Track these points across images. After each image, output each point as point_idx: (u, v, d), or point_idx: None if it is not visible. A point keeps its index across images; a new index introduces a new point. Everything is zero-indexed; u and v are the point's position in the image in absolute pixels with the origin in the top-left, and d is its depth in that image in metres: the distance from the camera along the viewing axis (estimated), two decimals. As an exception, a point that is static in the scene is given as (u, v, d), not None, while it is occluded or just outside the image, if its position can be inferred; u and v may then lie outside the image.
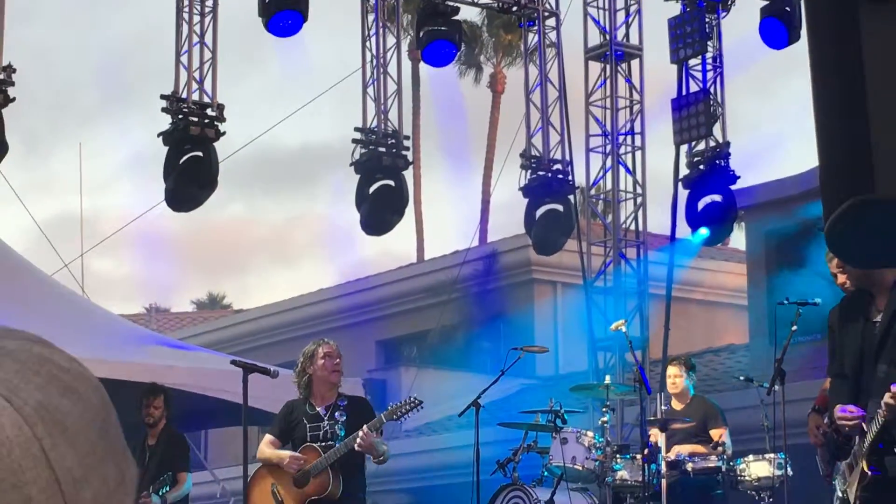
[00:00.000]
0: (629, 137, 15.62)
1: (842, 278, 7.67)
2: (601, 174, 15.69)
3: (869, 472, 6.70)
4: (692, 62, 14.65)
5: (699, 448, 10.88)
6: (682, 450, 10.79)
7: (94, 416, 1.07)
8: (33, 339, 1.11)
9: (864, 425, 6.71)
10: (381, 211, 13.76)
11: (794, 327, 9.38)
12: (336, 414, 8.83)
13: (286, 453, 8.82)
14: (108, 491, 1.06)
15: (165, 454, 10.83)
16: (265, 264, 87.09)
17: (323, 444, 8.76)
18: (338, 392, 8.99)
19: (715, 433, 10.98)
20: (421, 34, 14.31)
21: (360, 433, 8.51)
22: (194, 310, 50.99)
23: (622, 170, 15.56)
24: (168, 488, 10.65)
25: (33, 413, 1.03)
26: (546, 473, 10.72)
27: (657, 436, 10.58)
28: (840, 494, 7.23)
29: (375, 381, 21.63)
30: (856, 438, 6.84)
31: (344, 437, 8.71)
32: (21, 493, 1.00)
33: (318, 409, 8.88)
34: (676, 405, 11.27)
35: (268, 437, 9.03)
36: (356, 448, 8.55)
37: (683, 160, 14.80)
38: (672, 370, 11.50)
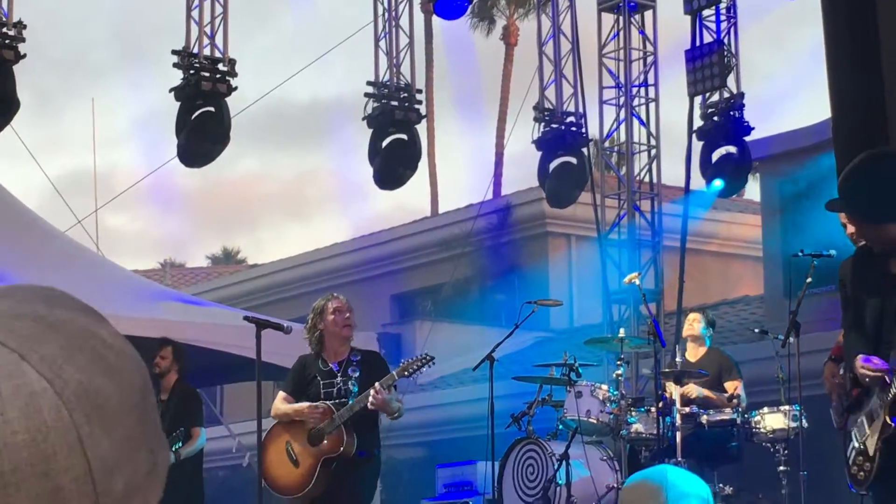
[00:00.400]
0: (643, 89, 15.56)
1: (851, 229, 7.66)
2: (615, 126, 15.64)
3: (892, 423, 6.71)
4: (706, 13, 14.56)
5: (711, 394, 10.87)
6: (693, 391, 10.71)
7: (134, 400, 1.05)
8: (79, 307, 1.09)
9: (886, 377, 6.71)
10: (394, 165, 13.74)
11: (809, 279, 9.35)
12: (349, 370, 8.81)
13: (304, 404, 8.81)
14: (140, 479, 1.04)
15: (178, 409, 10.85)
16: (278, 219, 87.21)
17: (336, 401, 8.75)
18: (350, 347, 8.95)
19: (730, 385, 10.99)
20: (433, -14, 14.23)
21: (372, 391, 8.50)
22: (209, 265, 51.04)
23: (636, 122, 15.51)
24: (181, 443, 10.68)
25: (73, 397, 1.01)
26: (561, 427, 10.74)
27: (672, 388, 10.59)
28: (857, 445, 7.22)
29: (390, 336, 21.66)
30: (875, 390, 6.84)
31: (357, 393, 8.69)
32: (51, 482, 0.99)
33: (330, 364, 8.86)
34: (691, 357, 11.26)
35: (281, 393, 9.02)
36: (369, 406, 8.55)
37: (697, 111, 14.73)
38: (692, 315, 11.54)
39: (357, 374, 8.76)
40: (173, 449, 10.53)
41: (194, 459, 11.05)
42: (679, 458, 10.09)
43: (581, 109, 15.12)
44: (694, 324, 11.36)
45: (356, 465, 8.74)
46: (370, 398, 8.48)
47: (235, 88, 12.79)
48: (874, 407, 6.88)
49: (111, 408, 1.03)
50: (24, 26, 11.65)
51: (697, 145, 14.70)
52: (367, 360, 8.88)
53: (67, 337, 1.04)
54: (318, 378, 8.83)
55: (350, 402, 8.65)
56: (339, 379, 8.79)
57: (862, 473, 7.19)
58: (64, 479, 0.99)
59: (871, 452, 7.03)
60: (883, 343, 6.81)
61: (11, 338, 1.02)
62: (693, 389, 10.76)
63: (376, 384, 8.53)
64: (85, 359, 1.03)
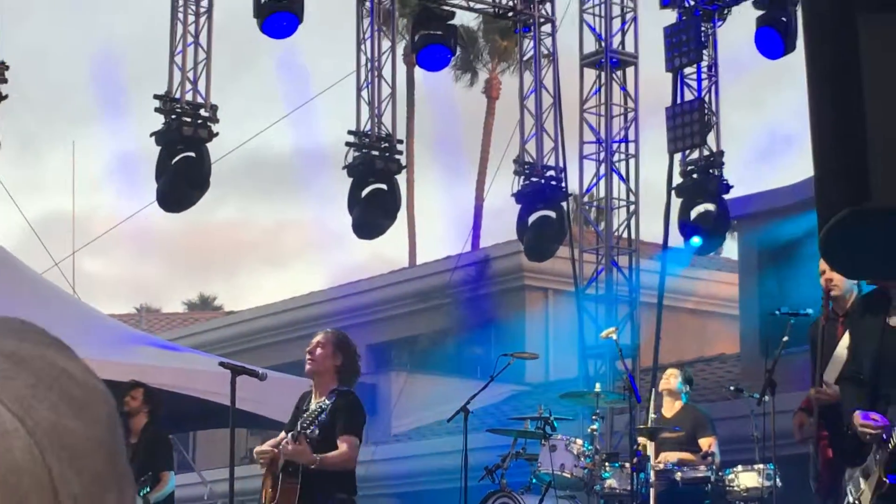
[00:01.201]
0: (623, 145, 15.62)
1: (827, 276, 7.74)
2: (594, 181, 15.68)
3: (886, 481, 6.69)
4: (687, 71, 14.64)
5: (687, 456, 10.86)
6: (670, 457, 10.76)
7: (103, 438, 1.04)
8: (47, 341, 1.07)
9: (884, 434, 6.70)
10: (373, 215, 13.73)
11: (786, 338, 9.36)
12: (320, 407, 8.62)
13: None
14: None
15: (147, 453, 10.76)
16: (256, 266, 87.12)
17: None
18: (335, 388, 8.67)
19: (704, 442, 10.97)
20: (416, 38, 14.30)
21: (283, 443, 8.32)
22: (185, 310, 50.92)
23: (615, 177, 15.56)
24: (149, 489, 10.59)
25: (44, 437, 0.99)
26: (534, 480, 10.69)
27: (646, 444, 10.56)
28: (851, 500, 7.22)
29: (366, 385, 21.56)
30: (873, 446, 6.83)
31: (318, 433, 8.50)
32: None
33: (314, 403, 8.70)
34: (667, 412, 11.25)
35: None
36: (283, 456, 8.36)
37: (677, 169, 14.79)
38: (670, 370, 11.52)
39: (323, 418, 8.55)
40: (141, 494, 10.44)
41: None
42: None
43: (561, 164, 15.17)
44: (670, 378, 11.35)
45: None
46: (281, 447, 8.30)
47: (217, 134, 12.79)
48: (870, 463, 6.87)
49: (80, 447, 1.01)
50: (7, 67, 11.66)
51: (676, 202, 14.75)
52: (338, 399, 8.61)
53: (36, 374, 1.02)
54: (300, 417, 8.69)
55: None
56: (307, 417, 8.61)
57: None
58: None
59: None
60: (881, 398, 6.80)
61: None
62: (669, 458, 10.74)
63: (288, 436, 8.32)
64: (54, 397, 1.02)
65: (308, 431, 8.50)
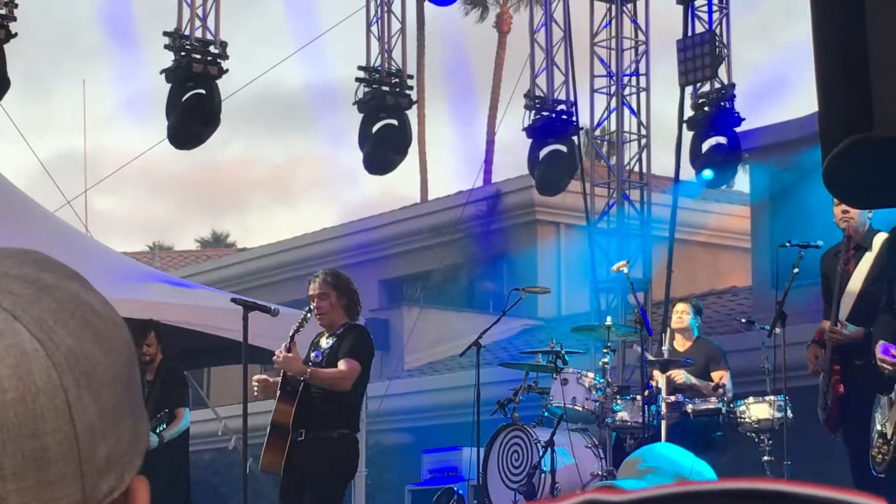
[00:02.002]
0: (634, 78, 15.57)
1: (840, 209, 7.78)
2: (605, 115, 15.64)
3: None
4: (698, 3, 14.56)
5: (699, 384, 10.88)
6: (681, 376, 10.72)
7: (121, 370, 1.05)
8: (69, 273, 1.09)
9: None
10: (384, 150, 13.72)
11: (796, 270, 9.38)
12: (328, 342, 8.67)
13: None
14: (122, 448, 1.04)
15: (163, 390, 10.82)
16: (268, 203, 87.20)
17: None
18: (345, 322, 8.75)
19: (716, 375, 11.00)
20: (425, -28, 14.23)
21: (276, 352, 8.38)
22: (198, 248, 50.99)
23: (626, 111, 15.52)
24: (165, 425, 10.65)
25: (63, 361, 1.01)
26: (546, 414, 10.74)
27: (658, 377, 10.60)
28: (879, 428, 7.28)
29: (378, 321, 21.66)
30: None
31: (321, 358, 8.56)
32: (38, 442, 0.99)
33: (323, 337, 8.76)
34: (679, 346, 11.27)
35: None
36: (274, 366, 8.43)
37: (688, 102, 14.74)
38: (680, 306, 11.50)
39: (330, 344, 8.61)
40: (157, 431, 10.51)
41: (180, 441, 11.03)
42: (664, 447, 10.10)
43: (572, 98, 15.12)
44: (683, 316, 11.35)
45: (321, 445, 8.50)
46: (274, 357, 8.37)
47: (226, 71, 12.77)
48: None
49: (99, 375, 1.03)
50: (16, 5, 11.63)
51: (688, 135, 14.70)
52: (343, 333, 8.67)
53: (58, 301, 1.04)
54: (310, 349, 8.76)
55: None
56: (315, 351, 8.69)
57: (880, 456, 7.26)
58: (50, 440, 0.99)
59: (889, 436, 7.09)
60: None
61: (4, 298, 1.02)
62: (680, 375, 10.78)
63: (282, 346, 8.38)
64: (75, 324, 1.03)
65: (312, 357, 8.59)
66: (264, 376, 8.70)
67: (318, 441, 8.43)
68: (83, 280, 1.10)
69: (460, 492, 12.19)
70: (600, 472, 10.31)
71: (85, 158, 17.21)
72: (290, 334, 8.41)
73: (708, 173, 14.51)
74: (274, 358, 8.38)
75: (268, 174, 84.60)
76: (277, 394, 8.51)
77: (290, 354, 8.34)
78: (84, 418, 1.01)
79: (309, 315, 8.55)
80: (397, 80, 13.92)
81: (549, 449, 10.09)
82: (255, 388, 8.57)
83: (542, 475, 10.13)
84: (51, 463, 0.99)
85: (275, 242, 29.08)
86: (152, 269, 15.29)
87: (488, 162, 33.33)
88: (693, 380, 10.85)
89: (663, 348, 10.94)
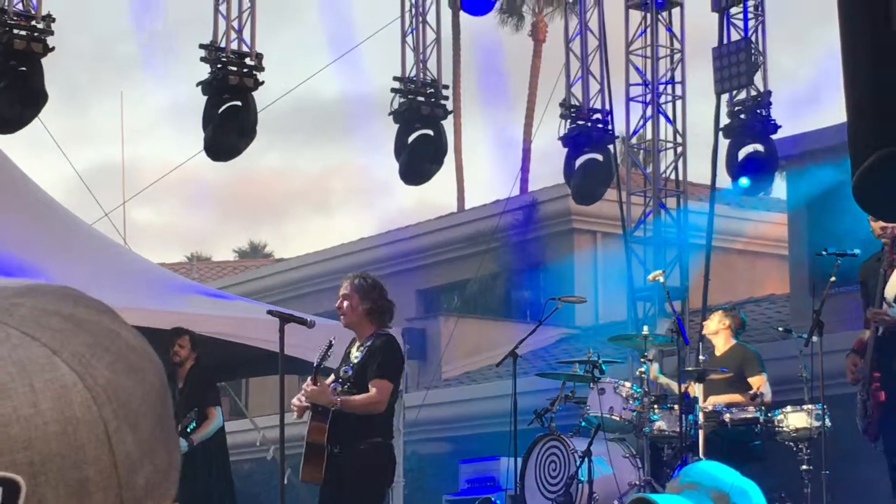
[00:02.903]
0: (670, 87, 15.55)
1: (876, 224, 7.78)
2: (641, 123, 15.63)
3: None
4: (733, 10, 14.54)
5: (735, 398, 10.86)
6: (719, 400, 10.78)
7: (155, 400, 1.08)
8: (101, 308, 1.12)
9: None
10: (419, 160, 13.75)
11: (833, 278, 9.36)
12: (357, 355, 8.63)
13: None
14: (159, 478, 1.07)
15: (193, 391, 10.79)
16: (304, 213, 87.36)
17: (335, 386, 8.56)
18: (373, 332, 8.63)
19: (754, 381, 10.95)
20: (460, -17, 14.24)
21: (304, 384, 8.40)
22: (236, 258, 51.16)
23: (662, 119, 15.50)
24: (195, 425, 10.63)
25: (102, 393, 1.03)
26: (583, 423, 10.75)
27: (694, 387, 10.58)
28: None
29: (415, 331, 21.69)
30: None
31: (350, 373, 8.51)
32: (80, 473, 1.01)
33: (354, 348, 8.72)
34: (717, 352, 11.24)
35: None
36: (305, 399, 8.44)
37: (724, 109, 14.72)
38: (716, 315, 11.45)
39: (360, 358, 8.57)
40: (187, 431, 10.48)
41: (216, 441, 10.99)
42: (701, 457, 10.08)
43: (608, 106, 15.12)
44: (708, 324, 11.34)
45: (354, 456, 8.50)
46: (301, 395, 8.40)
47: (262, 83, 12.83)
48: None
49: (134, 406, 1.06)
50: (53, 19, 11.72)
51: (724, 143, 14.68)
52: (372, 345, 8.63)
53: (94, 335, 1.07)
54: (342, 361, 8.73)
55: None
56: (345, 366, 8.65)
57: None
58: (91, 470, 1.02)
59: None
60: None
61: (43, 333, 1.05)
62: (717, 401, 10.74)
63: (308, 381, 8.39)
64: (111, 357, 1.06)
65: (342, 372, 8.58)
66: (297, 402, 8.63)
67: (354, 452, 8.45)
68: (115, 314, 1.13)
69: (498, 502, 12.21)
70: (638, 482, 10.30)
71: (123, 170, 17.33)
72: (315, 364, 8.39)
73: (745, 181, 14.49)
74: (301, 395, 8.39)
75: (304, 184, 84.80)
76: (310, 414, 8.52)
77: (317, 388, 8.35)
78: (123, 448, 1.04)
79: (333, 342, 8.53)
80: (432, 90, 13.95)
81: (586, 459, 10.09)
82: (294, 413, 8.61)
83: (580, 485, 10.13)
84: (92, 494, 1.02)
85: (312, 252, 29.15)
86: (190, 281, 15.37)
87: (524, 171, 33.33)
88: (729, 398, 10.81)
89: (700, 357, 10.91)
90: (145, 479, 1.06)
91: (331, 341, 8.47)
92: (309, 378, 8.42)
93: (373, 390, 8.41)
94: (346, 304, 8.55)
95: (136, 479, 1.05)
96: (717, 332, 11.27)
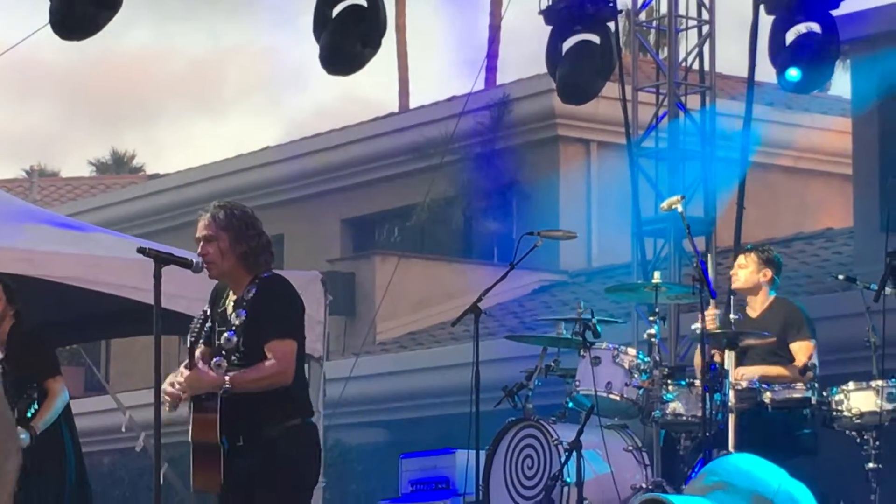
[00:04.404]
0: (693, -58, 15.55)
1: None
2: (653, -7, 15.65)
3: None
4: None
5: (776, 371, 10.90)
6: (755, 373, 10.81)
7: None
8: None
9: None
10: (348, 40, 13.70)
11: (915, 208, 9.42)
12: (237, 312, 8.53)
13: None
14: (7, 461, 1.11)
15: (20, 362, 10.81)
16: (185, 113, 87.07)
17: (218, 361, 8.46)
18: (252, 277, 8.51)
19: (797, 347, 10.99)
20: None
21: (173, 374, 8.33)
22: (93, 174, 51.03)
23: (682, -13, 15.51)
24: (36, 406, 10.63)
25: None
26: (570, 405, 10.80)
27: (724, 355, 10.63)
28: None
29: (340, 276, 21.72)
30: None
31: (236, 340, 8.42)
32: None
33: (229, 301, 8.60)
34: (752, 311, 11.30)
35: None
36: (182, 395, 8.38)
37: (767, -26, 14.73)
38: (741, 258, 11.48)
39: (242, 319, 8.48)
40: (27, 415, 10.49)
41: (61, 425, 10.97)
42: (731, 450, 10.15)
43: (607, -32, 15.11)
44: (738, 271, 11.36)
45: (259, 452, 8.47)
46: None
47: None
48: None
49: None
50: None
51: (766, 21, 14.69)
52: (258, 296, 8.53)
53: None
54: (215, 323, 8.61)
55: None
56: (221, 328, 8.55)
57: None
58: None
59: None
60: None
61: None
62: (750, 373, 10.79)
63: (175, 375, 8.32)
64: None
65: (223, 340, 8.50)
66: (169, 389, 8.54)
67: (263, 442, 8.43)
68: None
69: (452, 510, 12.28)
70: (644, 485, 10.37)
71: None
72: (188, 345, 8.33)
73: (794, 73, 14.52)
74: (177, 388, 8.31)
75: (186, 73, 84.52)
76: (190, 405, 8.44)
77: (194, 374, 8.27)
78: None
79: (206, 314, 8.48)
80: (367, -56, 13.91)
81: (574, 453, 10.14)
82: (166, 404, 8.51)
83: (566, 488, 10.20)
84: None
85: (197, 167, 29.11)
86: (30, 205, 15.31)
87: (492, 57, 33.29)
88: (767, 371, 10.86)
89: (731, 316, 10.95)
90: (11, 465, 1.12)
91: (203, 312, 8.44)
92: (181, 365, 8.36)
93: (270, 357, 8.37)
94: (211, 248, 8.46)
95: (6, 466, 1.11)
96: (751, 284, 11.29)
